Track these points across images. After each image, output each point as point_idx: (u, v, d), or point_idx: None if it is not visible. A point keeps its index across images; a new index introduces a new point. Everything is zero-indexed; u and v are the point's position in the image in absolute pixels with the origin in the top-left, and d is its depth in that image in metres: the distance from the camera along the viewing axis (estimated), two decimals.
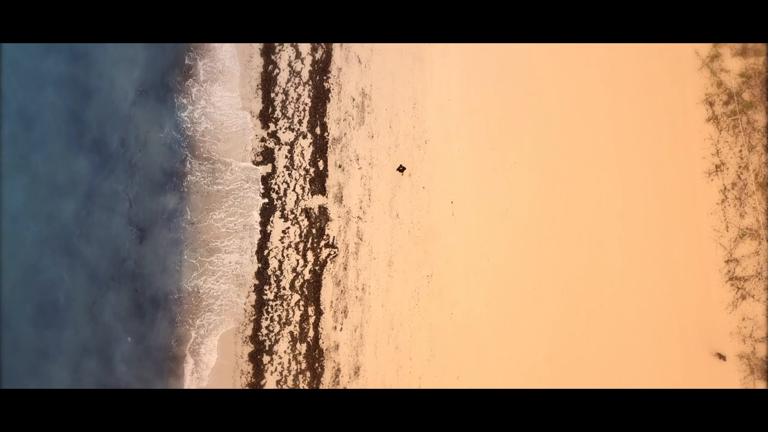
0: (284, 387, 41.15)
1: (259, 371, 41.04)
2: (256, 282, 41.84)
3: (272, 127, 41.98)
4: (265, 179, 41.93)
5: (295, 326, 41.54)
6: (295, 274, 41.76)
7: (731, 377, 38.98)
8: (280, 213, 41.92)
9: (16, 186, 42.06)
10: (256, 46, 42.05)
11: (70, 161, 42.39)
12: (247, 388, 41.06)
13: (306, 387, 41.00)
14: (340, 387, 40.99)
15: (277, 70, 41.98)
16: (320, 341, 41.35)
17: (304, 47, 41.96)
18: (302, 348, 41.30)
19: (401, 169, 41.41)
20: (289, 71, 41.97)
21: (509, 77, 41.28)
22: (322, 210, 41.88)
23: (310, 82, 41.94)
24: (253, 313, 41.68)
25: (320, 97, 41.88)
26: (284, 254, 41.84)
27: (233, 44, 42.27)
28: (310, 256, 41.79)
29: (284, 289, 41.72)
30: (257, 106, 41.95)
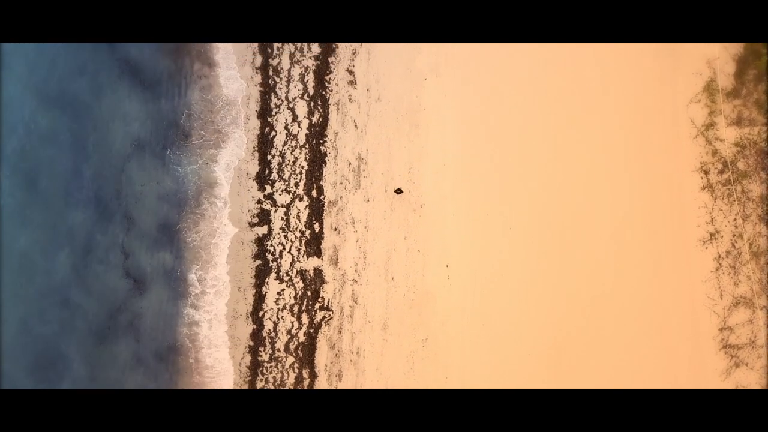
0: None
1: None
2: (251, 343, 41.86)
3: (269, 189, 42.06)
4: (261, 241, 41.99)
5: (289, 389, 41.54)
6: (289, 336, 41.81)
7: None
8: (275, 275, 41.97)
9: (16, 239, 42.21)
10: (253, 108, 42.14)
11: (67, 214, 42.50)
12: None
13: None
14: None
15: (273, 133, 42.08)
16: None
17: (301, 110, 42.07)
18: None
19: (399, 191, 41.45)
20: (286, 134, 42.07)
21: (504, 144, 41.37)
22: (318, 272, 41.95)
23: (307, 146, 42.04)
24: (248, 374, 41.69)
25: (317, 161, 41.99)
26: (279, 316, 41.90)
27: (231, 104, 42.27)
28: (304, 318, 41.85)
29: (279, 351, 41.77)
30: (254, 168, 42.04)
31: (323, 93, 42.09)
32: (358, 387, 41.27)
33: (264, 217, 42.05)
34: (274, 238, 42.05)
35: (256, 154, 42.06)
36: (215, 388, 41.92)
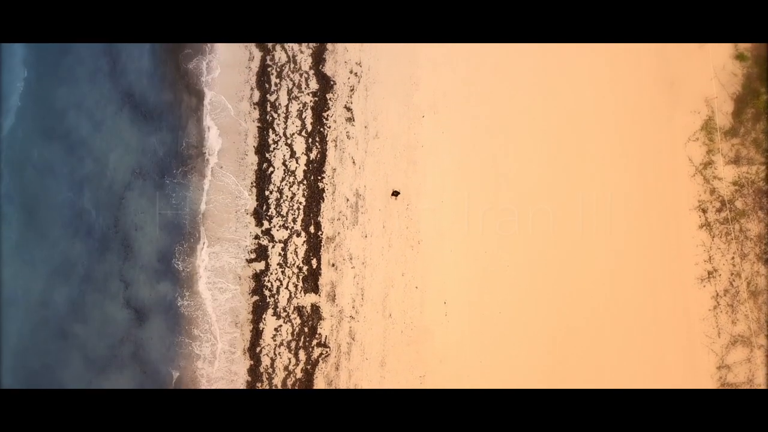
0: None
1: None
2: (249, 378, 41.76)
3: (266, 224, 42.00)
4: (258, 276, 41.90)
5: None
6: (287, 372, 41.71)
7: None
8: (272, 310, 41.88)
9: (15, 271, 42.19)
10: (251, 143, 42.09)
11: (66, 245, 42.48)
12: None
13: None
14: None
15: (271, 169, 42.02)
16: None
17: (299, 147, 42.02)
18: None
19: (396, 193, 41.28)
20: (284, 170, 42.01)
21: (502, 182, 41.33)
22: (315, 309, 41.86)
23: (305, 182, 41.99)
24: None
25: (314, 197, 41.94)
26: (276, 352, 41.79)
27: (226, 136, 42.19)
28: (302, 354, 41.75)
29: (276, 387, 41.63)
30: (251, 203, 41.98)
31: (321, 129, 42.05)
32: None
33: (261, 253, 41.97)
34: (271, 273, 41.97)
35: (254, 190, 42.00)
36: None
